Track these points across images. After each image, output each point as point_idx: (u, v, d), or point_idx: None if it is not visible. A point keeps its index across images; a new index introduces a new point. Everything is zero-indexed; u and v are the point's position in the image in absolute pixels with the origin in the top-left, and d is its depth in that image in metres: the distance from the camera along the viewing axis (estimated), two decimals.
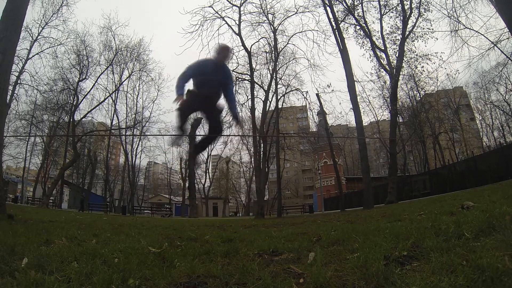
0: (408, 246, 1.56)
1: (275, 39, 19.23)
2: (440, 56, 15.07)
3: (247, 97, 19.78)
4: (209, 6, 17.89)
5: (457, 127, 30.11)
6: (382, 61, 15.60)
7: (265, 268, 1.55)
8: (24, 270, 1.37)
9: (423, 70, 15.27)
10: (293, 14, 18.92)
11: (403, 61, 14.85)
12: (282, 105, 21.37)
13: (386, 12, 15.40)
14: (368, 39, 15.53)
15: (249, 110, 19.18)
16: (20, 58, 18.65)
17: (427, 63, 15.01)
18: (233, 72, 19.15)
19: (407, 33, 14.79)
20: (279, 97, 20.33)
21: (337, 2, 15.99)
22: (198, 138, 3.32)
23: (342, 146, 43.81)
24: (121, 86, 26.06)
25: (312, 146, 30.18)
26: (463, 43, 15.41)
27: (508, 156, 12.60)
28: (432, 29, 14.72)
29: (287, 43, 19.93)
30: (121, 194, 32.39)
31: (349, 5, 15.63)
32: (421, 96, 24.61)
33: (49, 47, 20.03)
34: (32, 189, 29.35)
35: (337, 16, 15.81)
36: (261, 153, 19.38)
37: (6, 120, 10.48)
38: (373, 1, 15.79)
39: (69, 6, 19.35)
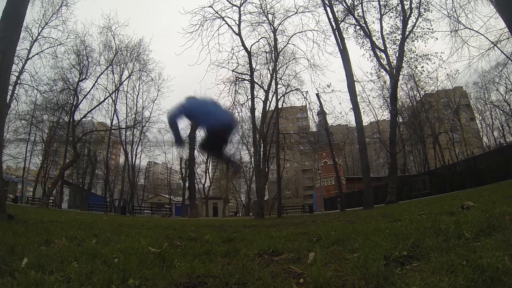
0: (408, 246, 1.56)
1: (275, 39, 19.24)
2: (440, 56, 15.08)
3: (247, 97, 19.79)
4: (209, 6, 17.91)
5: (457, 127, 30.08)
6: (382, 61, 15.60)
7: (265, 268, 1.55)
8: (24, 270, 1.37)
9: (423, 70, 15.29)
10: (293, 14, 18.95)
11: (403, 61, 14.85)
12: (282, 105, 21.36)
13: (386, 12, 15.40)
14: (368, 39, 15.53)
15: (249, 110, 19.19)
16: (20, 58, 18.66)
17: (427, 63, 15.03)
18: (233, 72, 19.18)
19: (407, 33, 14.78)
20: (279, 97, 20.34)
21: (337, 2, 15.99)
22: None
23: (342, 146, 43.76)
24: (121, 86, 26.15)
25: (312, 146, 30.12)
26: (463, 43, 15.39)
27: (508, 156, 12.60)
28: (432, 29, 14.73)
29: (287, 43, 19.95)
30: (121, 194, 32.34)
31: (349, 5, 15.62)
32: (421, 96, 24.63)
33: (49, 47, 20.05)
34: (32, 189, 29.33)
35: (337, 16, 15.81)
36: (261, 153, 19.37)
37: (6, 120, 10.48)
38: (373, 1, 15.81)
39: (68, 6, 19.40)
